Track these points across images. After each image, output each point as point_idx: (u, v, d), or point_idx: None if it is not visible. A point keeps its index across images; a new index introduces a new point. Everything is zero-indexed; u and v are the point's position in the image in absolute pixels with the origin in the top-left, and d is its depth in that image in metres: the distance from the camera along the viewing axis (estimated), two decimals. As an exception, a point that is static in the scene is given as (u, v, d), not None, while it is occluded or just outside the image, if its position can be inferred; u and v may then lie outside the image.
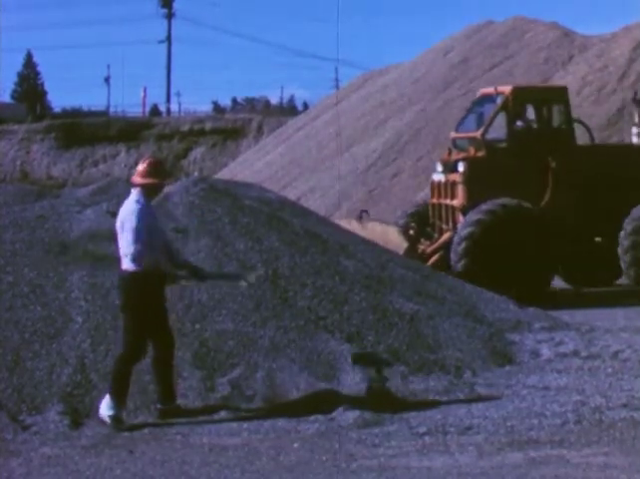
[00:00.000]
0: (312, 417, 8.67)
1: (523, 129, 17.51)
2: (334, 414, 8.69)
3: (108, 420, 8.52)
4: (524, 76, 36.78)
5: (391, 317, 10.87)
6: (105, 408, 8.56)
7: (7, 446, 8.10)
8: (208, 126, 61.47)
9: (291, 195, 28.95)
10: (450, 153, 17.91)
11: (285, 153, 40.72)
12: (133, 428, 8.52)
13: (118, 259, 8.85)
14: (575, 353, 11.01)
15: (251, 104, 79.84)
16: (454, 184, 17.29)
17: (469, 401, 9.19)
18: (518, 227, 16.31)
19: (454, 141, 18.28)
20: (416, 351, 10.42)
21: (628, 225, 17.04)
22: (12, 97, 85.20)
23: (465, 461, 7.41)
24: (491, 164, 17.13)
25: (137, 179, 8.74)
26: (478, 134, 17.38)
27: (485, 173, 17.05)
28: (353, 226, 16.75)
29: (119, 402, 8.56)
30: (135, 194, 8.73)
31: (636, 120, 19.61)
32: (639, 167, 17.87)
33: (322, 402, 8.98)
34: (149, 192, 8.74)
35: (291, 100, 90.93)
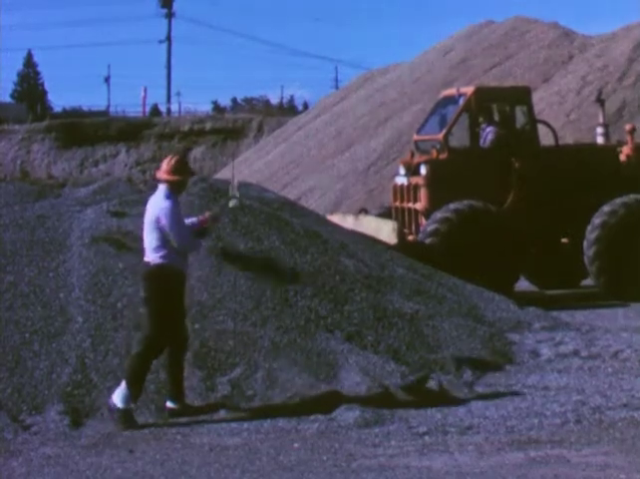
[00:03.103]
0: (312, 417, 8.68)
1: (490, 138, 17.34)
2: (334, 414, 8.70)
3: (115, 412, 8.48)
4: (524, 76, 36.80)
5: (391, 317, 10.87)
6: (118, 398, 8.54)
7: (7, 446, 8.11)
8: (208, 126, 61.42)
9: (291, 194, 28.96)
10: (412, 155, 17.71)
11: (285, 152, 40.72)
12: (135, 428, 8.52)
13: (141, 252, 8.98)
14: (575, 353, 11.01)
15: (251, 104, 79.79)
16: (416, 187, 17.06)
17: (468, 401, 9.20)
18: (483, 227, 16.19)
19: (416, 143, 18.09)
20: (416, 351, 10.43)
21: (596, 219, 16.92)
22: (12, 97, 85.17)
23: (464, 461, 7.41)
24: (454, 166, 16.91)
25: (163, 175, 8.90)
26: (440, 136, 17.20)
27: (448, 175, 16.80)
28: (347, 220, 16.72)
29: (133, 395, 8.56)
30: (163, 189, 8.90)
31: (600, 120, 19.50)
32: (604, 167, 17.69)
33: (322, 402, 8.98)
34: (174, 188, 8.92)
35: (291, 100, 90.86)
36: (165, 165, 8.95)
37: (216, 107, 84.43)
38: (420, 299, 11.52)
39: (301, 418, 8.65)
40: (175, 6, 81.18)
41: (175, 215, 8.79)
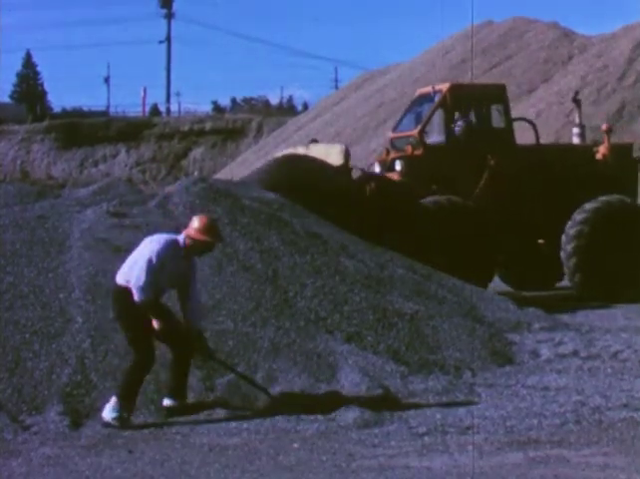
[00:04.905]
0: (312, 417, 8.68)
1: (461, 127, 17.29)
2: (334, 414, 8.70)
3: (113, 422, 8.50)
4: (524, 76, 36.83)
5: (391, 317, 10.88)
6: (108, 412, 8.54)
7: (7, 446, 8.10)
8: (208, 126, 61.47)
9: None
10: (387, 153, 17.70)
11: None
12: (133, 428, 8.52)
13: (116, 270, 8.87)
14: (575, 353, 11.01)
15: (251, 104, 79.72)
16: None
17: (468, 401, 9.20)
18: (457, 222, 16.19)
19: (391, 141, 18.06)
20: (415, 351, 10.43)
21: (578, 215, 16.79)
22: (11, 97, 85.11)
23: (464, 461, 7.41)
24: (429, 162, 16.84)
25: (192, 232, 8.64)
26: (415, 132, 17.15)
27: (423, 171, 16.75)
28: (299, 150, 16.91)
29: (126, 407, 8.55)
30: (179, 238, 8.68)
31: (576, 120, 19.47)
32: (580, 167, 17.66)
33: (322, 402, 8.98)
34: (198, 247, 8.70)
35: (291, 100, 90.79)
36: (198, 223, 8.67)
37: (216, 107, 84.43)
38: (419, 300, 11.52)
39: (301, 418, 8.65)
40: (175, 6, 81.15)
41: (152, 263, 8.47)
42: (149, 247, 8.64)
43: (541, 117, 32.79)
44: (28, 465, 7.61)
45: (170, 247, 8.62)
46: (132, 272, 8.60)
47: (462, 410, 8.86)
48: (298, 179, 15.05)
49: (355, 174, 17.17)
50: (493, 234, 16.45)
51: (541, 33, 40.93)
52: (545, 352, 11.02)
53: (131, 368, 8.67)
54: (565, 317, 13.41)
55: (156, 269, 8.50)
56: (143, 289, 8.47)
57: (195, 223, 8.71)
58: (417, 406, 9.05)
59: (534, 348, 11.11)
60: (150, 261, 8.51)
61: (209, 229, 8.71)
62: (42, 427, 8.50)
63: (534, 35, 40.84)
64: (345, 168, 15.98)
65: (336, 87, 79.26)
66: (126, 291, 8.60)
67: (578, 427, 8.27)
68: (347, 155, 16.26)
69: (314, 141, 18.36)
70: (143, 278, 8.47)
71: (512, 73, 37.52)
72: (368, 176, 17.07)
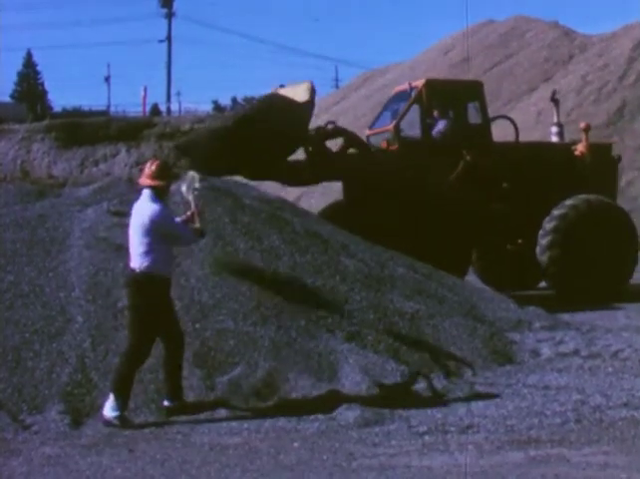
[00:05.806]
0: (312, 416, 8.68)
1: (440, 131, 17.24)
2: (334, 413, 8.70)
3: (114, 421, 8.51)
4: (525, 75, 36.81)
5: (391, 317, 10.87)
6: (108, 410, 8.55)
7: (7, 445, 8.11)
8: (209, 125, 61.40)
9: (291, 194, 28.94)
10: None
11: (286, 152, 40.66)
12: (134, 427, 8.52)
13: (127, 258, 8.88)
14: (576, 353, 11.01)
15: (251, 103, 79.57)
16: None
17: (469, 400, 9.20)
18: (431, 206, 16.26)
19: (368, 138, 18.07)
20: (416, 350, 10.42)
21: (547, 223, 16.78)
22: (12, 97, 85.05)
23: (465, 460, 7.41)
24: (404, 156, 16.84)
25: (145, 180, 8.80)
26: (390, 126, 17.14)
27: (398, 165, 16.72)
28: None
29: (122, 403, 8.56)
30: (148, 194, 8.79)
31: (555, 119, 19.45)
32: (558, 166, 17.63)
33: (322, 401, 8.98)
34: (158, 193, 8.81)
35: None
36: (147, 170, 8.87)
37: (217, 106, 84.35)
38: (420, 299, 11.52)
39: (301, 418, 8.65)
40: (175, 6, 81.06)
41: (171, 215, 8.79)
42: (150, 217, 8.66)
43: (542, 116, 32.76)
44: (28, 464, 7.61)
45: (159, 200, 8.79)
46: (141, 254, 8.62)
47: (462, 409, 8.86)
48: (280, 115, 15.12)
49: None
50: (467, 226, 16.47)
51: (542, 32, 40.93)
52: (546, 351, 11.02)
53: (122, 360, 8.68)
54: (566, 316, 13.41)
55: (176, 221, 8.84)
56: (183, 231, 8.85)
57: (147, 169, 8.86)
58: (417, 405, 9.05)
59: (535, 347, 11.11)
60: (169, 216, 8.78)
61: (162, 172, 8.83)
62: (42, 426, 8.50)
63: (535, 34, 40.85)
64: (310, 103, 16.01)
65: (336, 86, 79.21)
66: (141, 277, 8.61)
67: (579, 426, 8.27)
68: (312, 91, 16.27)
69: (281, 85, 18.38)
70: (179, 227, 8.81)
71: (513, 72, 37.50)
72: (339, 130, 17.14)
